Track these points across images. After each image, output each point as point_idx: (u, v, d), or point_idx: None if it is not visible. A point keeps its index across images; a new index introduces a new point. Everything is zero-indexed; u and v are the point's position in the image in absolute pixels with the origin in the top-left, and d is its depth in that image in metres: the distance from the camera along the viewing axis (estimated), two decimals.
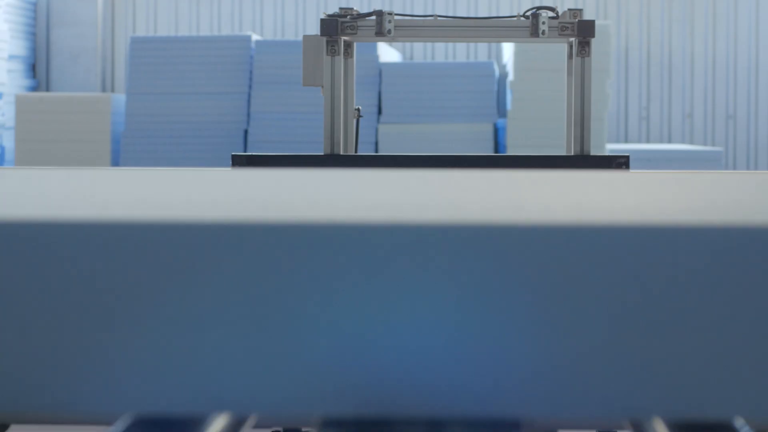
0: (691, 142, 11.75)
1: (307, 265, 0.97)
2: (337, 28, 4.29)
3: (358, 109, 4.57)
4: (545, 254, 0.97)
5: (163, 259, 0.97)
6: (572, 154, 4.37)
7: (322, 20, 4.32)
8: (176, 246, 0.97)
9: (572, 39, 4.33)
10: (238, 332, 0.98)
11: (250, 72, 9.22)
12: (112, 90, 12.03)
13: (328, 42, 4.31)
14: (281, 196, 1.32)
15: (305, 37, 4.44)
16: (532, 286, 0.97)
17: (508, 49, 9.70)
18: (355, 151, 4.59)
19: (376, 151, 9.07)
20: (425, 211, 1.11)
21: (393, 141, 9.09)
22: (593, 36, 4.29)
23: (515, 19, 4.36)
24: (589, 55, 4.31)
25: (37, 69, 11.86)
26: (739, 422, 1.09)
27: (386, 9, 10.09)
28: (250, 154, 4.26)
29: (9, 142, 10.23)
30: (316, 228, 0.97)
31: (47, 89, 11.82)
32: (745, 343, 0.98)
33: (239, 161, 4.13)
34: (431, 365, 0.97)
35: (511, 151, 8.86)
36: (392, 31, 4.30)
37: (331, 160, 4.26)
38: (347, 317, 0.97)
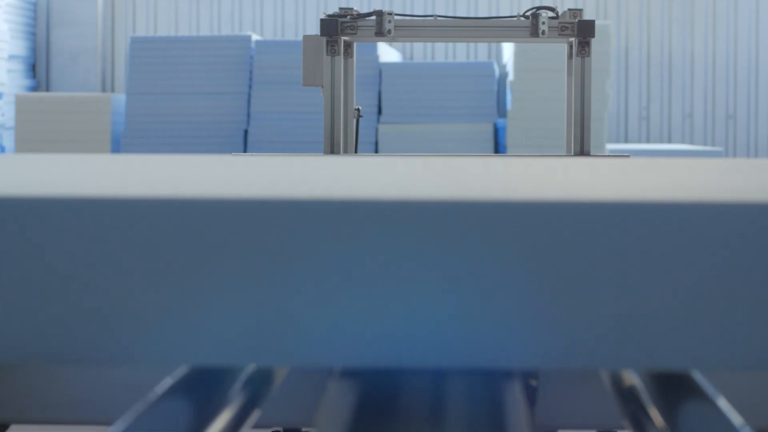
0: (691, 142, 11.75)
1: (330, 237, 1.09)
2: (337, 28, 4.29)
3: (358, 109, 4.57)
4: (539, 227, 1.09)
5: (203, 234, 1.11)
6: (572, 154, 4.38)
7: (322, 20, 4.32)
8: (216, 221, 1.10)
9: (572, 39, 4.33)
10: (270, 293, 1.10)
11: (250, 72, 9.22)
12: (112, 90, 12.03)
13: (328, 42, 4.31)
14: (302, 177, 1.43)
15: (305, 37, 4.44)
16: (525, 253, 1.09)
17: (508, 49, 9.70)
18: (355, 151, 4.59)
19: (376, 151, 9.07)
20: (433, 189, 1.23)
21: (393, 141, 9.09)
22: (593, 36, 4.29)
23: (515, 19, 4.36)
24: (589, 55, 4.31)
25: (37, 69, 11.86)
26: (697, 374, 1.26)
27: (386, 9, 10.09)
28: (250, 154, 4.27)
29: (9, 142, 10.23)
30: (333, 204, 1.09)
31: (47, 89, 11.82)
32: (712, 300, 1.09)
33: None
34: (437, 321, 1.10)
35: (511, 151, 8.86)
36: (392, 31, 4.30)
37: None
38: (364, 281, 1.09)
